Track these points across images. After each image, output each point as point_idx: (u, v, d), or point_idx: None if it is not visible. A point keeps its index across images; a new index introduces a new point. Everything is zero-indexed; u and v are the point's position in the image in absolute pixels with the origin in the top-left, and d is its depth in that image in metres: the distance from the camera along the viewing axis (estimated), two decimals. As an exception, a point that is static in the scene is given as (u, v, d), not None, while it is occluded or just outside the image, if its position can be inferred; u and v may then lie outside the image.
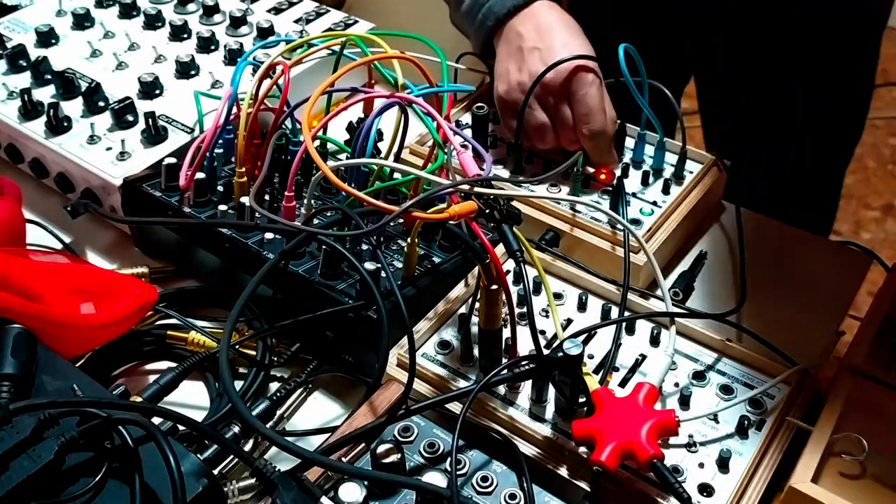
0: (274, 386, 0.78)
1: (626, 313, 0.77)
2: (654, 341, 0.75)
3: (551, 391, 0.69)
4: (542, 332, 0.75)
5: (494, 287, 0.68)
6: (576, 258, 0.83)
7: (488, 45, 0.94)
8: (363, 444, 0.66)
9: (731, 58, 1.16)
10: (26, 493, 0.56)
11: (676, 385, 0.72)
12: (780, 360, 0.74)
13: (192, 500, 0.57)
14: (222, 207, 0.82)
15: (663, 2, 1.13)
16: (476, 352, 0.74)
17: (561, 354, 0.64)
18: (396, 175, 0.85)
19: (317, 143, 0.87)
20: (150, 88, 1.00)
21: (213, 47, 1.07)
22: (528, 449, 0.68)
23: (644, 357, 0.74)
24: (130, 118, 0.96)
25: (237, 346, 0.77)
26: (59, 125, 0.95)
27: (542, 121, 0.88)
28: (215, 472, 0.68)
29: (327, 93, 0.81)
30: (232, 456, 0.69)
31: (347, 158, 0.86)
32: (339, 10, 1.16)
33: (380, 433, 0.66)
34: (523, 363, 0.67)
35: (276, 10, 1.14)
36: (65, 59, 1.05)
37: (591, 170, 0.89)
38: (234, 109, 0.86)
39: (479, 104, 0.92)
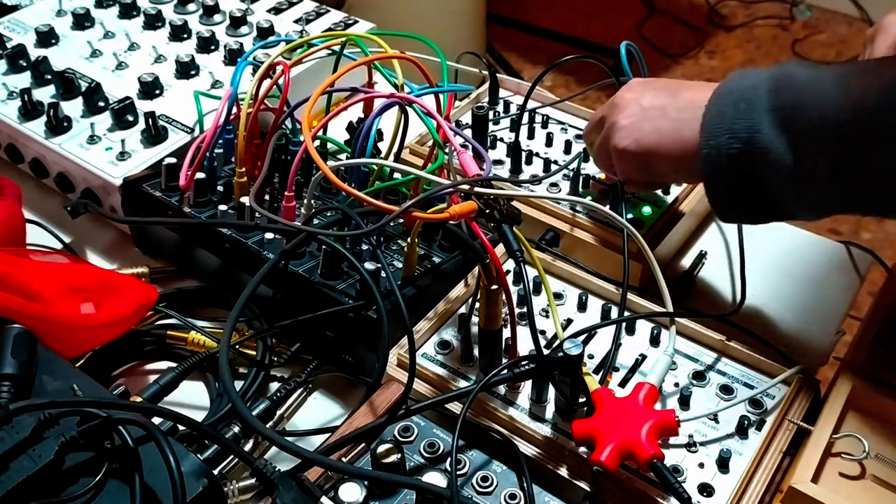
0: (274, 386, 0.78)
1: (626, 313, 0.77)
2: (654, 341, 0.75)
3: (551, 391, 0.69)
4: (542, 332, 0.75)
5: (494, 287, 0.68)
6: (576, 258, 0.83)
7: None
8: (363, 444, 0.66)
9: None
10: (26, 493, 0.55)
11: (676, 385, 0.72)
12: (780, 360, 0.74)
13: (192, 500, 0.57)
14: (222, 207, 0.82)
15: None
16: (476, 352, 0.74)
17: (561, 354, 0.64)
18: (396, 175, 0.85)
19: (317, 143, 0.87)
20: (150, 88, 1.00)
21: (213, 47, 1.07)
22: (528, 449, 0.68)
23: (644, 357, 0.74)
24: (130, 118, 0.96)
25: (237, 346, 0.77)
26: (59, 125, 0.95)
27: None
28: (215, 472, 0.68)
29: (327, 93, 0.81)
30: (232, 456, 0.69)
31: (347, 158, 0.86)
32: (339, 10, 1.16)
33: (380, 433, 0.66)
34: (523, 363, 0.67)
35: (276, 10, 1.14)
36: (65, 59, 1.05)
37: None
38: (234, 109, 0.86)
39: (479, 104, 0.92)
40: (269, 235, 0.80)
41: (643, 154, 0.75)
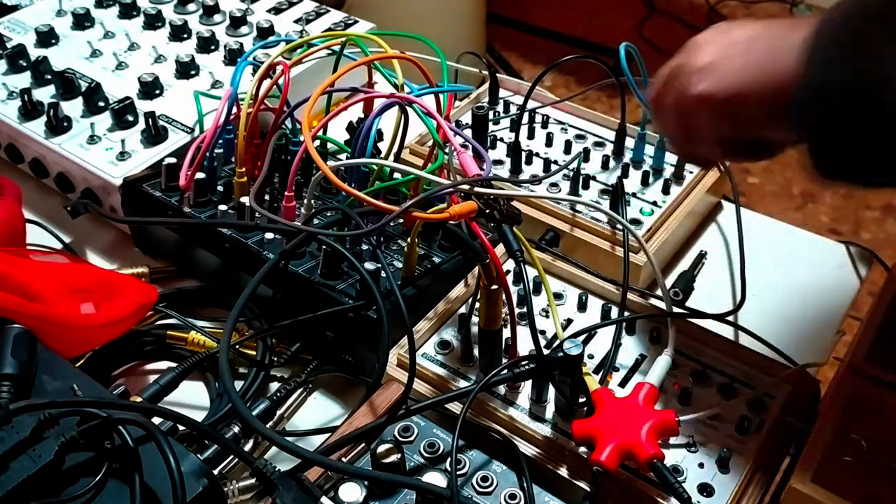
0: (274, 386, 0.78)
1: (626, 313, 0.77)
2: (654, 341, 0.75)
3: (551, 391, 0.69)
4: (542, 332, 0.75)
5: (494, 287, 0.68)
6: (576, 258, 0.83)
7: None
8: (363, 444, 0.66)
9: None
10: (26, 493, 0.56)
11: (676, 385, 0.72)
12: (780, 360, 0.74)
13: (192, 500, 0.57)
14: (222, 207, 0.82)
15: None
16: (476, 352, 0.74)
17: (561, 354, 0.64)
18: (396, 175, 0.85)
19: (317, 143, 0.87)
20: (150, 88, 1.00)
21: (213, 47, 1.07)
22: (528, 449, 0.68)
23: (644, 357, 0.74)
24: (130, 118, 0.96)
25: (237, 346, 0.77)
26: (59, 125, 0.95)
27: None
28: (215, 472, 0.68)
29: (327, 93, 0.81)
30: (232, 456, 0.69)
31: (347, 158, 0.86)
32: (339, 10, 1.16)
33: (380, 433, 0.66)
34: (523, 363, 0.67)
35: (276, 10, 1.14)
36: (65, 59, 1.05)
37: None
38: (234, 109, 0.86)
39: (479, 104, 0.92)
40: (269, 235, 0.80)
41: (730, 98, 0.60)
